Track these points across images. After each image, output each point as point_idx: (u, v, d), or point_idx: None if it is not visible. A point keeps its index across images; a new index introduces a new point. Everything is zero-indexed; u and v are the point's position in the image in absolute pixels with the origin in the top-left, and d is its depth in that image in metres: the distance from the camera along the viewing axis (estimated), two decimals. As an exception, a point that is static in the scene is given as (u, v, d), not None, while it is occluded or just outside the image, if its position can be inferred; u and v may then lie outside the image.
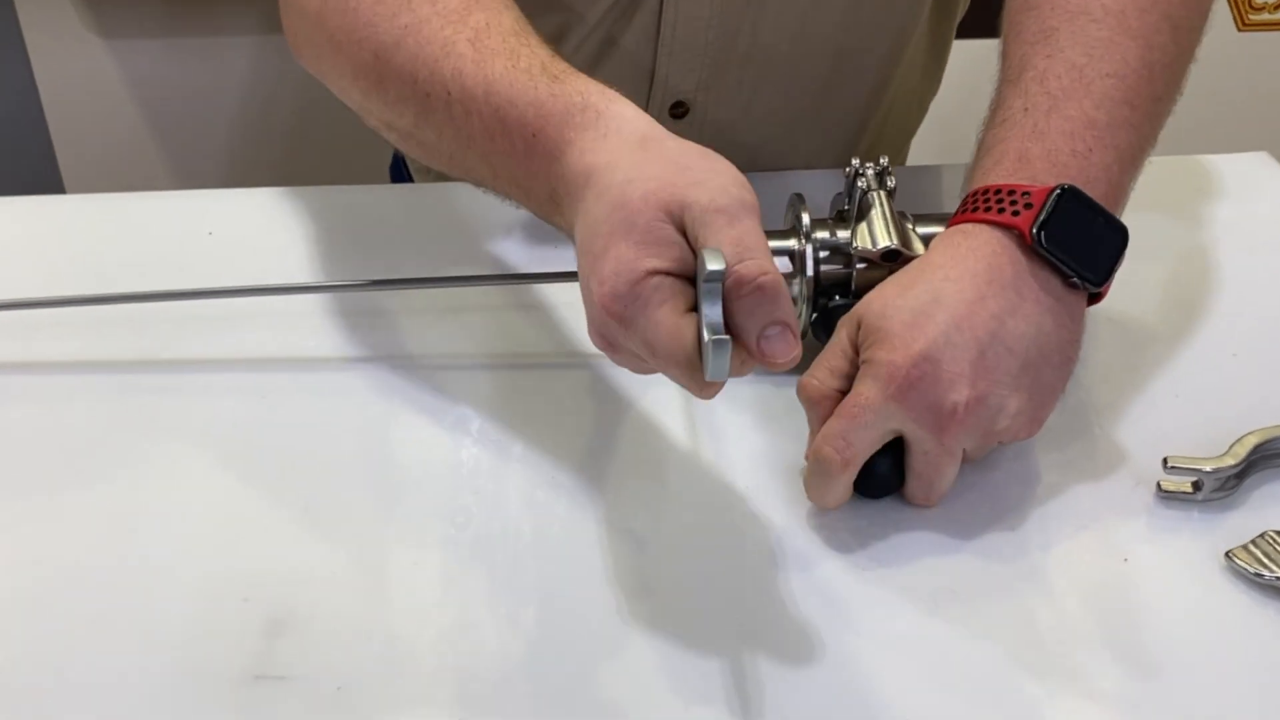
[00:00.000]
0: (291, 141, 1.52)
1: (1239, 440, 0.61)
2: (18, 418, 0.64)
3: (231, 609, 0.54)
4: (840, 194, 0.68)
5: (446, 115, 0.59)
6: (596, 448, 0.63)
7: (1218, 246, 0.78)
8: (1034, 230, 0.57)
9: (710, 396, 0.50)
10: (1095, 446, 0.64)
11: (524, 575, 0.56)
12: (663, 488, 0.61)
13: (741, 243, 0.48)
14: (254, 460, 0.62)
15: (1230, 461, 0.60)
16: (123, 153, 1.56)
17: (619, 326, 0.50)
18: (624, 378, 0.66)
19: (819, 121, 0.87)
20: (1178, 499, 0.61)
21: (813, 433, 0.58)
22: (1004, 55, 0.66)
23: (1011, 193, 0.58)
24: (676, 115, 0.83)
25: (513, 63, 0.57)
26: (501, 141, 0.57)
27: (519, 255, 0.75)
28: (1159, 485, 0.61)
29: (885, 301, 0.57)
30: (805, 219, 0.65)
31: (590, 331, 0.53)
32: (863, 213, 0.65)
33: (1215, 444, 0.61)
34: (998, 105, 0.64)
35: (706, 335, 0.47)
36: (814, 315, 0.65)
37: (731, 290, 0.48)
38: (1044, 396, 0.58)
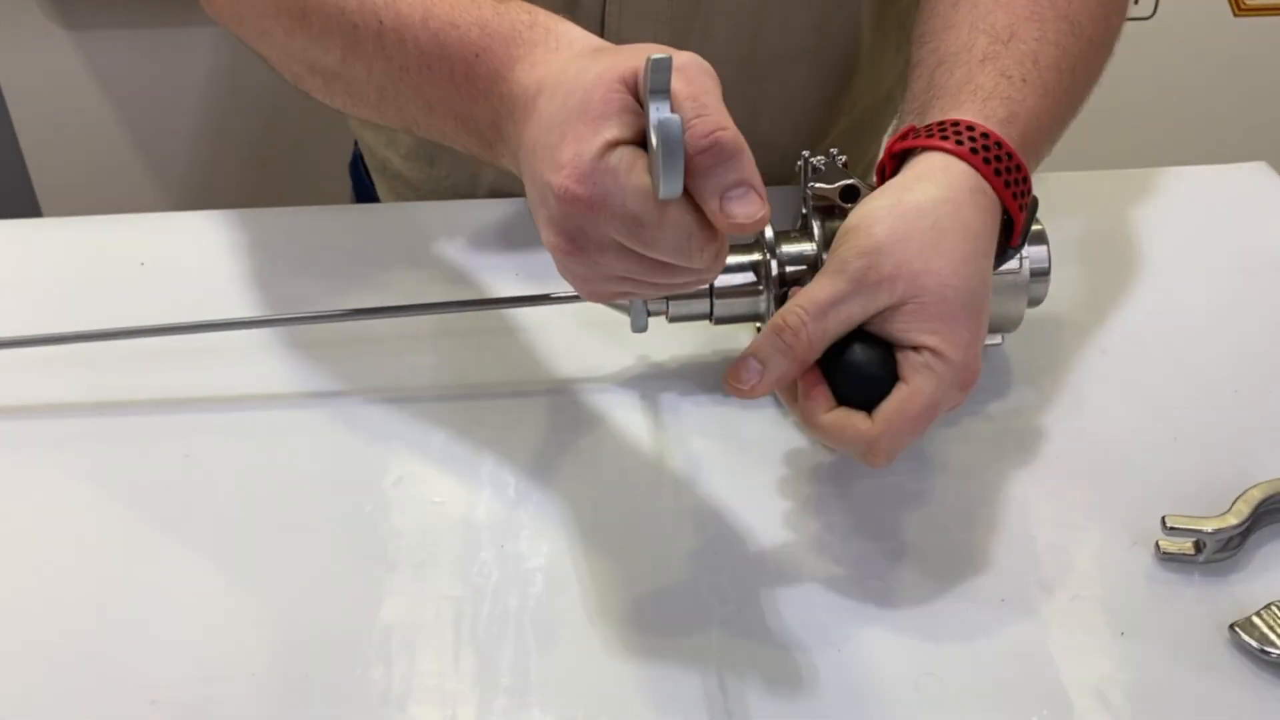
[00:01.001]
0: (260, 132, 1.50)
1: (1242, 496, 0.57)
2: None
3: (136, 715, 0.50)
4: (803, 213, 0.64)
5: (378, 46, 0.56)
6: (550, 480, 0.59)
7: (1215, 269, 0.74)
8: (1021, 244, 0.58)
9: (708, 264, 0.46)
10: (1091, 499, 0.59)
11: (461, 666, 0.52)
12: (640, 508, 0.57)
13: (697, 100, 0.45)
14: (152, 543, 0.57)
15: (1233, 521, 0.56)
16: (89, 144, 1.54)
17: (588, 214, 0.46)
18: (601, 402, 0.63)
19: (774, 127, 0.83)
20: (1178, 560, 0.56)
21: (775, 375, 0.54)
22: (975, 6, 0.63)
23: (1010, 156, 0.57)
24: None
25: None
26: (440, 68, 0.54)
27: (483, 278, 0.71)
28: (1158, 546, 0.56)
29: (943, 285, 0.53)
30: (768, 232, 0.62)
31: (551, 239, 0.48)
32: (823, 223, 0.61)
33: (1217, 492, 0.57)
34: (987, 57, 0.60)
35: (654, 138, 0.42)
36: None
37: (689, 152, 0.44)
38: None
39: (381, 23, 0.56)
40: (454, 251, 0.73)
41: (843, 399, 0.54)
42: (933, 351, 0.53)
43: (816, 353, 0.54)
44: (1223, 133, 1.60)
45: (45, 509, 0.58)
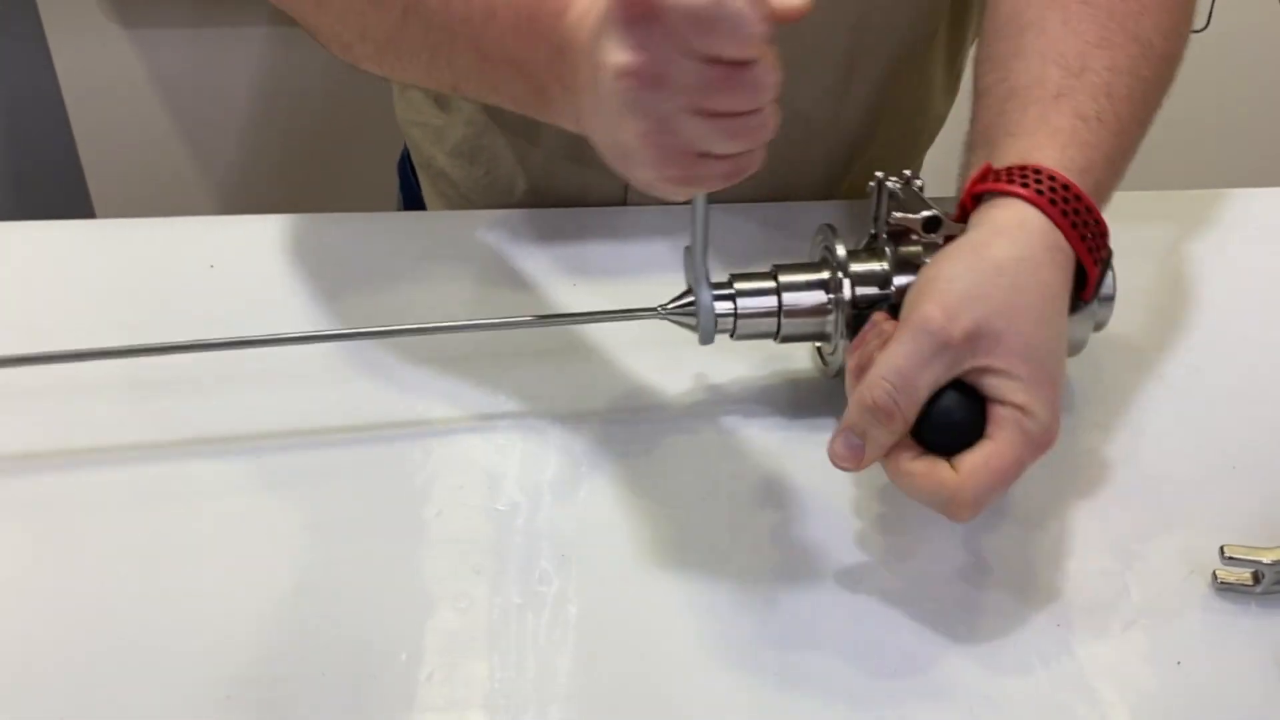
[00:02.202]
0: (310, 130, 1.51)
1: (1302, 527, 0.57)
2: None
3: (211, 709, 0.51)
4: (872, 233, 0.64)
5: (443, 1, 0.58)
6: (609, 518, 0.59)
7: (1276, 296, 0.73)
8: (1096, 297, 0.58)
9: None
10: (1148, 528, 0.59)
11: (526, 674, 0.53)
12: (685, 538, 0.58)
13: None
14: (230, 547, 0.58)
15: (1293, 552, 0.56)
16: (143, 142, 1.55)
17: (653, 24, 0.46)
18: (661, 421, 0.63)
19: (816, 139, 0.83)
20: (1235, 590, 0.56)
21: (875, 449, 0.54)
22: (1044, 32, 0.62)
23: (1090, 210, 0.57)
24: None
25: None
26: (505, 15, 0.56)
27: (543, 289, 0.72)
28: (1215, 575, 0.57)
29: (1029, 345, 0.53)
30: (839, 250, 0.61)
31: (623, 61, 0.47)
32: (901, 253, 0.61)
33: (1276, 522, 0.58)
34: (1061, 92, 0.60)
35: None
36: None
37: None
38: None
39: None
40: (511, 260, 0.74)
41: (929, 445, 0.54)
42: (1022, 409, 0.53)
43: (912, 418, 0.53)
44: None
45: (124, 514, 0.59)
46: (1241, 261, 0.76)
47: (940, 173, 0.99)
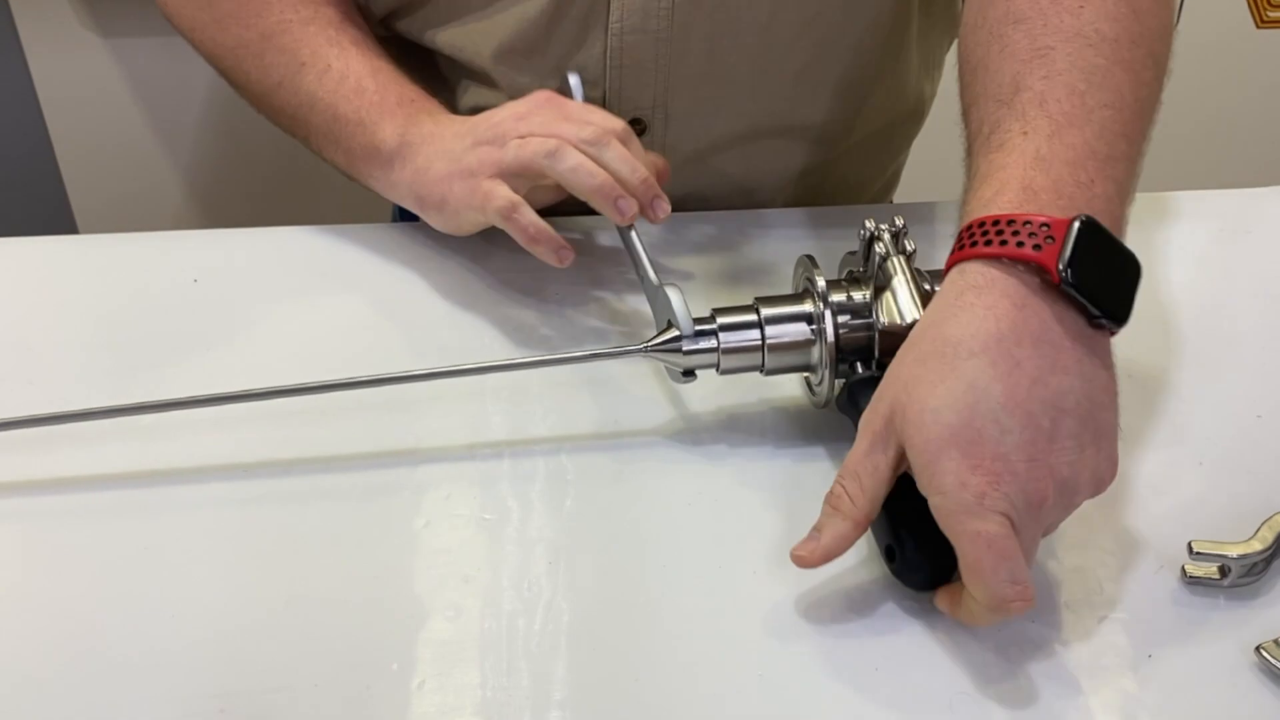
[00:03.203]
0: (293, 141, 1.49)
1: (1267, 522, 0.59)
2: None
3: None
4: (851, 253, 0.65)
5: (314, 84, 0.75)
6: (603, 533, 0.61)
7: (1237, 295, 0.75)
8: (1061, 268, 0.52)
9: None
10: (1118, 524, 0.61)
11: (518, 675, 0.54)
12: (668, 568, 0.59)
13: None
14: (221, 561, 0.59)
15: (1258, 546, 0.58)
16: (124, 152, 1.55)
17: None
18: (649, 452, 0.64)
19: (785, 141, 0.85)
20: (1204, 584, 0.58)
21: (830, 536, 0.55)
22: (986, 69, 0.62)
23: (1027, 223, 0.53)
24: (635, 133, 0.80)
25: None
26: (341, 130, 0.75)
27: (529, 301, 0.73)
28: (1184, 570, 0.58)
29: (921, 410, 0.52)
30: (820, 282, 0.62)
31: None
32: (883, 281, 0.62)
33: (1242, 518, 0.59)
34: (992, 128, 0.59)
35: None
36: (836, 386, 0.63)
37: None
38: (1109, 439, 0.54)
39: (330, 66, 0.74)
40: (503, 271, 0.75)
41: (924, 583, 0.56)
42: (928, 490, 0.52)
43: (867, 510, 0.54)
44: (1246, 152, 1.60)
45: (114, 528, 0.60)
46: (1206, 261, 0.78)
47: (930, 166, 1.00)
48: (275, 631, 0.55)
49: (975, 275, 0.54)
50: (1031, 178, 0.55)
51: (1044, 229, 0.53)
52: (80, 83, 1.49)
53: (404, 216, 1.03)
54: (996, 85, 0.61)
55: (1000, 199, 0.55)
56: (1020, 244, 0.53)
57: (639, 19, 0.76)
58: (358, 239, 0.78)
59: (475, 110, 0.76)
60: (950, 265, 0.56)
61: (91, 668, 0.54)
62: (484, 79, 0.81)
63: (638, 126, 0.81)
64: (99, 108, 1.51)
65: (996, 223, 0.54)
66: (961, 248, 0.56)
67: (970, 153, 0.61)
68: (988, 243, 0.54)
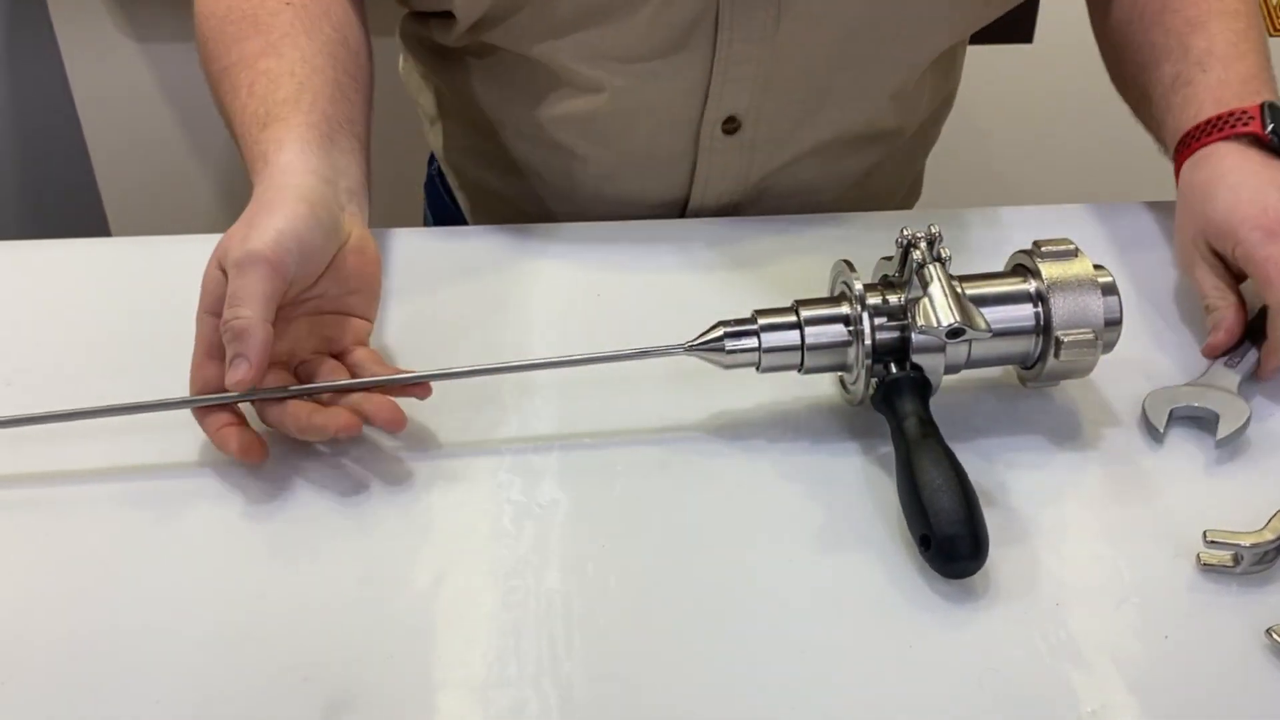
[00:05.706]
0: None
1: (1278, 513, 0.62)
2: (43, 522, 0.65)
3: (289, 690, 0.56)
4: (886, 258, 0.68)
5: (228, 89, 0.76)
6: (651, 521, 0.64)
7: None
8: (1268, 129, 0.75)
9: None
10: (1136, 514, 0.64)
11: (574, 649, 0.57)
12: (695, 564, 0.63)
13: (235, 295, 0.63)
14: (303, 543, 0.63)
15: (1269, 536, 0.61)
16: (158, 156, 1.58)
17: None
18: (687, 449, 0.68)
19: (862, 144, 0.89)
20: (1217, 571, 0.61)
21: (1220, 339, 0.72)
22: (1153, 45, 0.82)
23: (1231, 114, 0.76)
24: (728, 131, 0.84)
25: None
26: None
27: (566, 302, 0.77)
28: (1199, 558, 0.62)
29: (1231, 209, 0.72)
30: (857, 285, 0.65)
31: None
32: (920, 286, 0.65)
33: (1255, 509, 0.63)
34: (1174, 77, 0.80)
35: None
36: (872, 384, 0.66)
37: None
38: None
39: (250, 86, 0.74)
40: (531, 274, 0.78)
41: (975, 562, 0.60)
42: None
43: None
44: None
45: (111, 527, 0.64)
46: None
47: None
48: (353, 607, 0.59)
49: (1217, 149, 0.76)
50: (1221, 94, 0.77)
51: (1244, 115, 0.76)
52: (115, 86, 1.52)
53: (437, 220, 1.07)
54: (1167, 51, 0.81)
55: (1208, 107, 0.77)
56: (1234, 125, 0.76)
57: (745, 29, 0.78)
58: (390, 243, 0.81)
59: (561, 120, 0.81)
60: (1183, 159, 0.77)
61: (80, 669, 0.57)
62: (578, 84, 0.82)
63: (731, 125, 0.84)
64: (133, 111, 1.54)
65: (1220, 119, 0.76)
66: (1201, 138, 0.77)
67: (1151, 100, 0.82)
68: (1217, 129, 0.76)
